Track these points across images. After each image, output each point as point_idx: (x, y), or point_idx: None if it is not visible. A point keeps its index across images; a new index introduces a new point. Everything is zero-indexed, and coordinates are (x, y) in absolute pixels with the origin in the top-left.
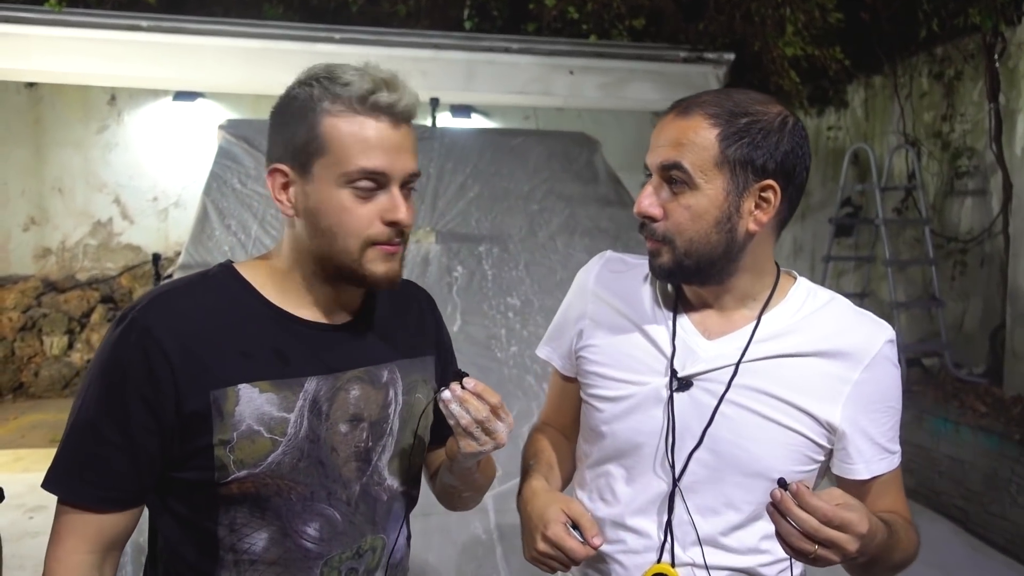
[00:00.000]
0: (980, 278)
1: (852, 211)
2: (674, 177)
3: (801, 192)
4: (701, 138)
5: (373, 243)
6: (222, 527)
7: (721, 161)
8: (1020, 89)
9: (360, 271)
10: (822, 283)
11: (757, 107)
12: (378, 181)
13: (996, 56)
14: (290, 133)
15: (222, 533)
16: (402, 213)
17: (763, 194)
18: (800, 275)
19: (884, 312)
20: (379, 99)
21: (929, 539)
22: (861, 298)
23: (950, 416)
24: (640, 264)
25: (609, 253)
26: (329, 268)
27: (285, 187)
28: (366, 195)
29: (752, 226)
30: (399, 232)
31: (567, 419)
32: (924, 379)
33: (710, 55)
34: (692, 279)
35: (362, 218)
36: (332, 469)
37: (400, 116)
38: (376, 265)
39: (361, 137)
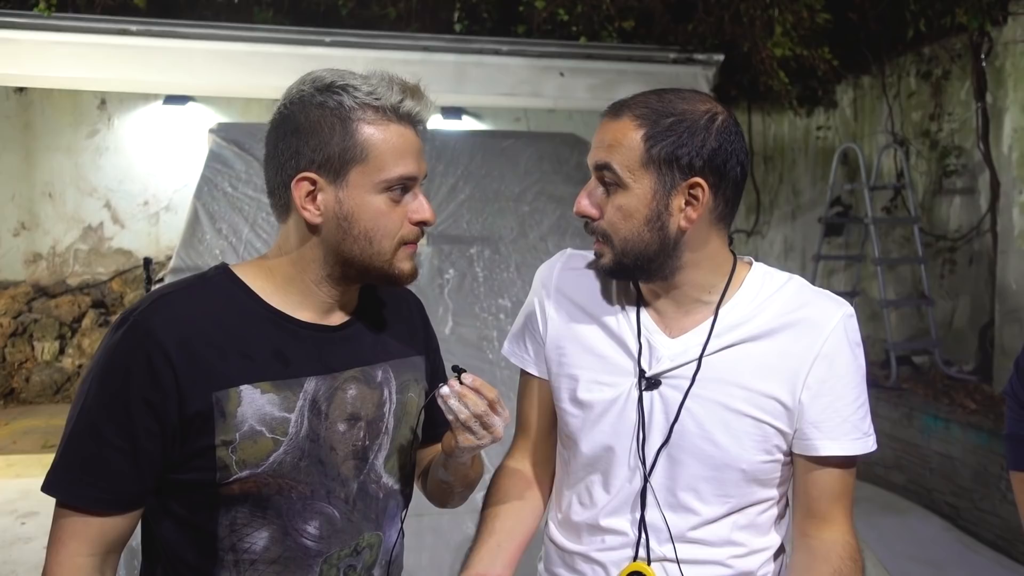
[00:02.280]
0: (969, 276)
1: (842, 210)
2: (606, 178)
3: (739, 187)
4: (628, 139)
5: (403, 243)
6: (222, 527)
7: (647, 160)
8: (1007, 88)
9: (391, 270)
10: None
11: (684, 106)
12: (408, 185)
13: (983, 55)
14: (319, 141)
15: (222, 533)
16: (428, 213)
17: (692, 191)
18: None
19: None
20: (410, 109)
21: (920, 535)
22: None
23: (940, 413)
24: None
25: (570, 251)
26: (354, 270)
27: (311, 195)
28: (398, 199)
29: (683, 223)
30: (422, 231)
31: (545, 426)
32: (914, 377)
33: (699, 56)
34: (636, 276)
35: (396, 220)
36: (331, 468)
37: (422, 123)
38: (404, 263)
39: (397, 145)
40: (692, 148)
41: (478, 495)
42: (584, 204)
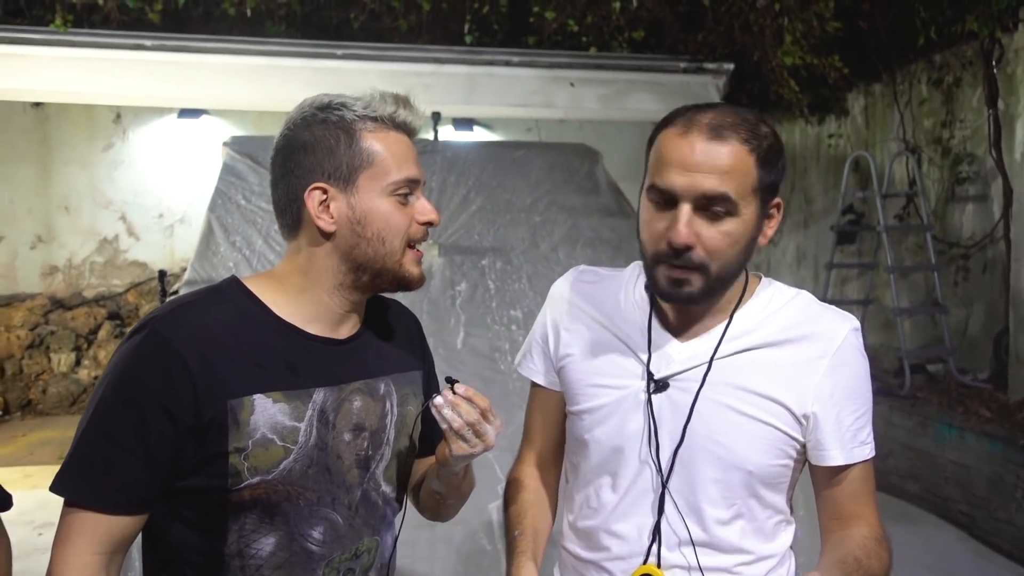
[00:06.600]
0: (983, 283)
1: (854, 218)
2: (716, 206)
3: None
4: (744, 165)
5: (410, 244)
6: (231, 532)
7: (757, 187)
8: (1019, 95)
9: (400, 272)
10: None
11: (764, 128)
12: (412, 188)
13: (994, 62)
14: (327, 153)
15: (231, 538)
16: (434, 214)
17: (770, 210)
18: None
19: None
20: (405, 118)
21: (935, 545)
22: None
23: (955, 422)
24: (612, 275)
25: (582, 267)
26: (367, 275)
27: (324, 203)
28: (404, 201)
29: (762, 240)
30: (427, 233)
31: (551, 437)
32: (929, 385)
33: (710, 65)
34: (709, 299)
35: (404, 220)
36: (338, 475)
37: (415, 132)
38: (413, 267)
39: (398, 151)
40: (780, 169)
41: (489, 505)
42: (687, 234)
